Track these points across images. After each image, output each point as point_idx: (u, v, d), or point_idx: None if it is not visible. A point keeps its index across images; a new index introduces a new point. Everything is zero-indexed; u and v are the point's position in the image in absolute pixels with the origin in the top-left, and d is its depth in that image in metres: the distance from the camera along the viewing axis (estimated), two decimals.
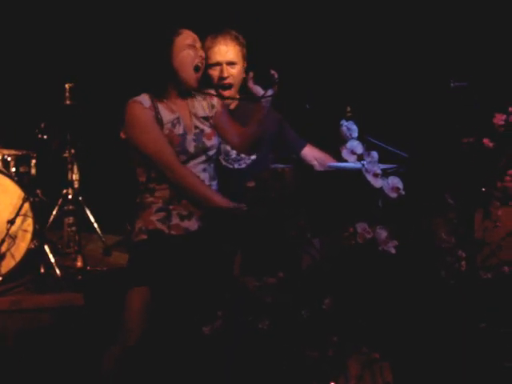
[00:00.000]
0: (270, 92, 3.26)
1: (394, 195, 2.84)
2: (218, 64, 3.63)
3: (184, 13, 5.24)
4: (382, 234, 2.80)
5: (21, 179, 4.49)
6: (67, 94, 4.94)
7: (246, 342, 2.80)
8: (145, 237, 3.24)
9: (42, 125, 4.69)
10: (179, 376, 3.34)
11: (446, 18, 4.99)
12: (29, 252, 4.37)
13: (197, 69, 3.30)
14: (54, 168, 4.96)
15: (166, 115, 3.27)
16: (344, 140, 2.95)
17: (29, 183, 4.51)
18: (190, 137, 3.29)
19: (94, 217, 5.07)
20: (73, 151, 4.98)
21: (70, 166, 5.00)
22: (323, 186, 3.04)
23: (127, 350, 3.19)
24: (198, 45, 3.34)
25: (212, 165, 3.36)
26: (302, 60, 5.13)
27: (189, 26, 3.38)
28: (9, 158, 4.57)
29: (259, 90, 3.27)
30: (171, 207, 3.24)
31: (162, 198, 3.25)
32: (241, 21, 4.49)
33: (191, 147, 3.27)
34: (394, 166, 2.99)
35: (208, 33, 3.69)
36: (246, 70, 3.63)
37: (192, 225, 3.26)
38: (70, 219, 4.94)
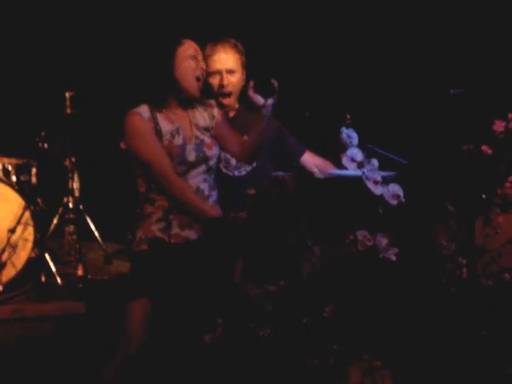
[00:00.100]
0: (270, 101, 3.27)
1: (394, 202, 2.85)
2: (218, 72, 3.65)
3: (185, 21, 5.25)
4: (383, 241, 2.80)
5: (21, 188, 4.49)
6: (67, 103, 4.95)
7: (247, 350, 2.80)
8: (145, 247, 3.24)
9: (43, 133, 4.70)
10: None
11: (446, 26, 5.00)
12: (30, 261, 4.37)
13: (198, 79, 3.31)
14: (55, 176, 4.96)
15: (165, 126, 3.27)
16: (344, 147, 2.96)
17: (29, 192, 4.51)
18: (190, 147, 3.29)
19: (94, 225, 5.07)
20: (73, 160, 4.99)
21: (70, 175, 5.01)
22: (324, 194, 3.04)
23: (128, 360, 3.19)
24: (200, 56, 3.34)
25: (212, 175, 3.36)
26: (303, 68, 5.14)
27: (190, 35, 3.39)
28: (9, 167, 4.57)
29: (260, 99, 3.28)
30: (171, 217, 3.25)
31: (162, 208, 3.26)
32: (241, 29, 4.51)
33: (191, 156, 3.28)
34: (394, 173, 2.99)
35: (208, 40, 3.70)
36: (247, 79, 3.64)
37: (192, 234, 3.26)
38: (71, 228, 4.94)
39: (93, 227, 5.05)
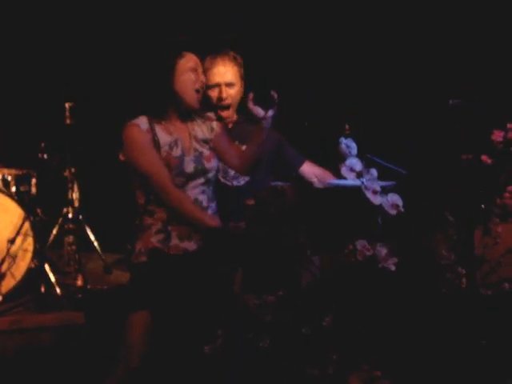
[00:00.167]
0: (270, 113, 3.27)
1: (393, 212, 2.85)
2: (217, 85, 3.68)
3: (184, 32, 5.26)
4: (382, 251, 2.80)
5: (21, 198, 4.49)
6: (67, 114, 4.95)
7: (246, 360, 2.79)
8: (145, 258, 3.24)
9: (42, 144, 4.71)
10: None
11: (445, 35, 5.01)
12: (29, 271, 4.36)
13: (197, 91, 3.32)
14: (55, 187, 4.96)
15: (164, 137, 3.28)
16: (343, 157, 2.96)
17: (29, 202, 4.50)
18: (188, 158, 3.29)
19: (94, 235, 5.07)
20: (73, 170, 4.99)
21: (70, 185, 5.01)
22: (323, 204, 3.04)
23: (129, 372, 3.18)
24: (200, 69, 3.35)
25: (211, 187, 3.36)
26: (301, 78, 5.15)
27: (189, 46, 3.40)
28: (9, 178, 4.57)
29: (259, 111, 3.28)
30: (170, 228, 3.25)
31: (161, 220, 3.26)
32: (239, 39, 4.52)
33: (190, 168, 3.28)
34: (393, 183, 3.00)
35: (207, 52, 3.71)
36: (246, 91, 3.65)
37: (191, 245, 3.26)
38: (70, 238, 4.93)
39: (92, 237, 5.05)
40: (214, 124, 3.45)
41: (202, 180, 3.31)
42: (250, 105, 3.30)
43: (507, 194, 2.93)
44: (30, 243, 4.36)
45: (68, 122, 4.96)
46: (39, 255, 4.38)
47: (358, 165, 2.92)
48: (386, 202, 2.85)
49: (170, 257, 3.23)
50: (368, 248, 2.78)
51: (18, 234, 4.32)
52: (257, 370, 2.74)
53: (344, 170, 2.92)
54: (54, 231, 5.00)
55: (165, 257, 3.23)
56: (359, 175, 2.89)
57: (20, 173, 4.62)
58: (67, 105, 4.95)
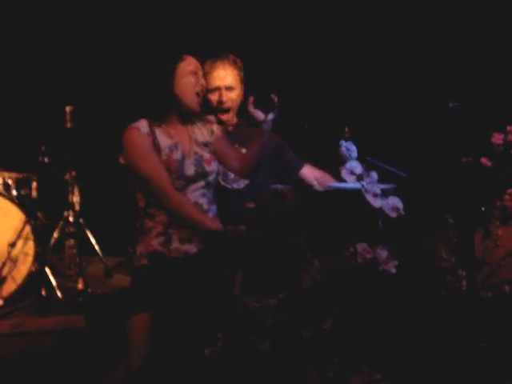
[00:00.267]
0: (270, 116, 3.28)
1: (393, 215, 2.85)
2: (217, 89, 3.69)
3: (185, 34, 5.26)
4: (383, 253, 2.80)
5: (22, 202, 4.49)
6: (68, 117, 4.96)
7: (247, 363, 2.79)
8: (146, 261, 3.24)
9: (43, 147, 4.72)
10: None
11: (445, 38, 5.02)
12: (30, 275, 4.36)
13: (197, 95, 3.32)
14: (55, 190, 4.97)
15: (164, 141, 3.28)
16: (343, 160, 2.96)
17: (30, 206, 4.51)
18: (188, 161, 3.30)
19: (94, 239, 5.07)
20: (73, 174, 5.00)
21: (70, 189, 5.01)
22: (323, 206, 3.05)
23: (131, 375, 3.19)
24: (200, 72, 3.35)
25: (211, 190, 3.36)
26: (301, 80, 5.15)
27: (190, 49, 3.40)
28: (10, 181, 4.57)
29: (260, 115, 3.29)
30: (171, 231, 3.25)
31: (162, 223, 3.26)
32: (240, 41, 4.53)
33: (190, 171, 3.28)
34: (394, 185, 3.00)
35: (208, 55, 3.72)
36: (247, 94, 3.65)
37: (192, 248, 3.26)
38: (71, 241, 4.94)
39: (93, 241, 5.06)
40: (214, 127, 3.45)
41: (202, 183, 3.31)
42: (251, 108, 3.30)
43: (507, 197, 2.93)
44: (30, 247, 4.37)
45: (68, 125, 4.97)
46: (40, 259, 4.38)
47: (358, 168, 2.92)
48: (387, 205, 2.85)
49: (171, 260, 3.24)
50: (368, 251, 2.78)
51: (18, 237, 4.33)
52: (257, 373, 2.74)
53: (344, 173, 2.92)
54: (55, 235, 5.00)
55: (166, 260, 3.23)
56: (359, 178, 2.89)
57: (21, 176, 4.63)
58: (68, 108, 4.96)
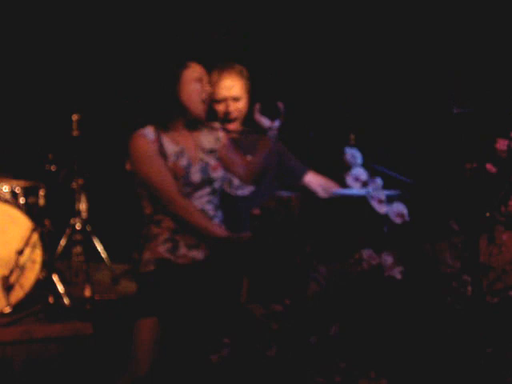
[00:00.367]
0: (276, 123, 3.30)
1: (398, 221, 2.86)
2: (224, 99, 3.70)
3: (191, 44, 5.29)
4: (388, 259, 2.81)
5: (29, 210, 4.52)
6: (74, 125, 4.99)
7: (253, 369, 2.80)
8: (152, 267, 3.26)
9: (50, 156, 4.74)
10: None
11: (449, 44, 5.03)
12: (38, 282, 4.38)
13: (203, 101, 3.34)
14: (62, 198, 4.99)
15: (170, 147, 3.30)
16: (348, 167, 2.97)
17: (37, 214, 4.53)
18: (194, 168, 3.31)
19: (101, 246, 5.09)
20: (80, 182, 5.02)
21: (77, 196, 5.04)
22: (328, 213, 3.06)
23: (137, 381, 3.20)
24: (205, 79, 3.37)
25: (217, 196, 3.38)
26: (307, 88, 5.17)
27: (195, 56, 3.42)
28: (17, 189, 4.60)
29: (266, 122, 3.31)
30: (178, 237, 3.27)
31: (168, 229, 3.28)
32: (245, 48, 4.55)
33: (196, 178, 3.29)
34: (399, 191, 3.01)
35: (213, 62, 3.74)
36: (253, 102, 3.67)
37: (199, 254, 3.27)
38: (78, 249, 4.97)
39: (100, 248, 5.08)
40: (220, 134, 3.47)
41: (208, 189, 3.33)
42: (257, 115, 3.32)
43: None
44: (38, 254, 4.38)
45: (75, 133, 5.00)
46: (47, 266, 4.40)
47: (363, 174, 2.93)
48: (392, 211, 2.86)
49: (178, 266, 3.25)
50: (374, 257, 2.79)
51: (26, 245, 4.35)
52: (264, 380, 2.75)
53: (349, 180, 2.93)
54: (62, 242, 5.03)
55: (172, 266, 3.25)
56: (364, 184, 2.90)
57: (28, 184, 4.65)
58: (74, 117, 4.99)
